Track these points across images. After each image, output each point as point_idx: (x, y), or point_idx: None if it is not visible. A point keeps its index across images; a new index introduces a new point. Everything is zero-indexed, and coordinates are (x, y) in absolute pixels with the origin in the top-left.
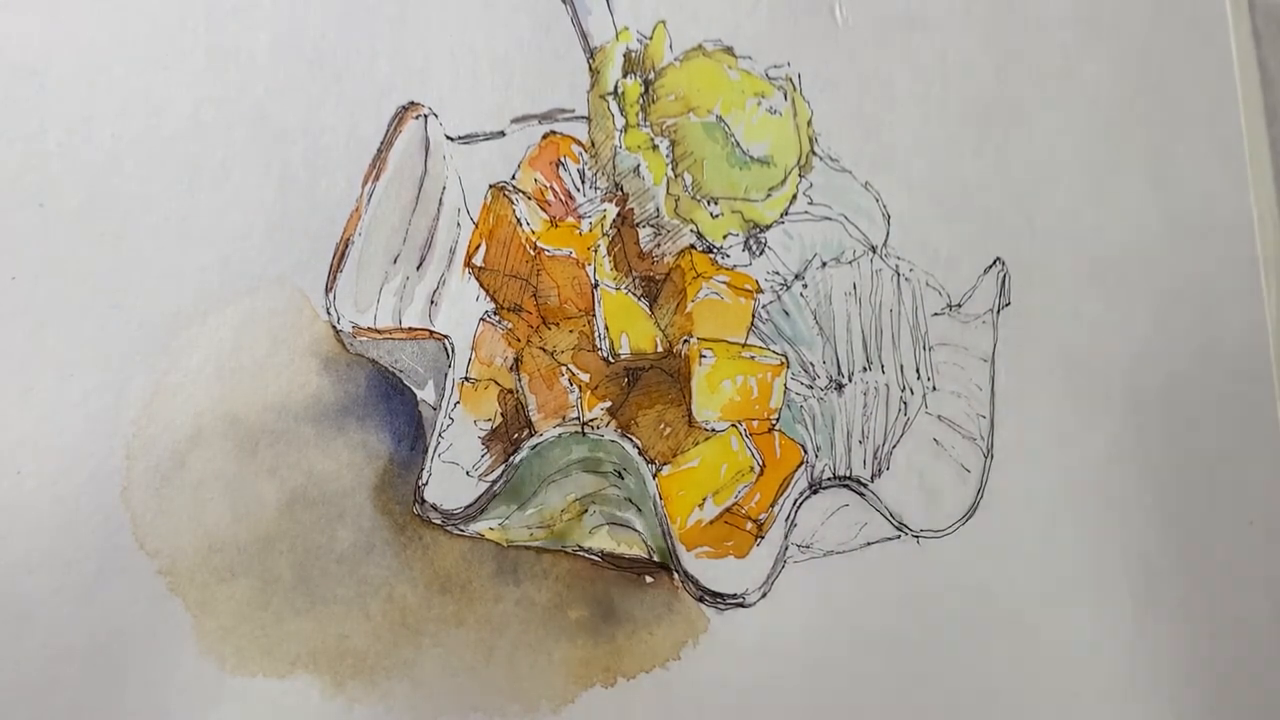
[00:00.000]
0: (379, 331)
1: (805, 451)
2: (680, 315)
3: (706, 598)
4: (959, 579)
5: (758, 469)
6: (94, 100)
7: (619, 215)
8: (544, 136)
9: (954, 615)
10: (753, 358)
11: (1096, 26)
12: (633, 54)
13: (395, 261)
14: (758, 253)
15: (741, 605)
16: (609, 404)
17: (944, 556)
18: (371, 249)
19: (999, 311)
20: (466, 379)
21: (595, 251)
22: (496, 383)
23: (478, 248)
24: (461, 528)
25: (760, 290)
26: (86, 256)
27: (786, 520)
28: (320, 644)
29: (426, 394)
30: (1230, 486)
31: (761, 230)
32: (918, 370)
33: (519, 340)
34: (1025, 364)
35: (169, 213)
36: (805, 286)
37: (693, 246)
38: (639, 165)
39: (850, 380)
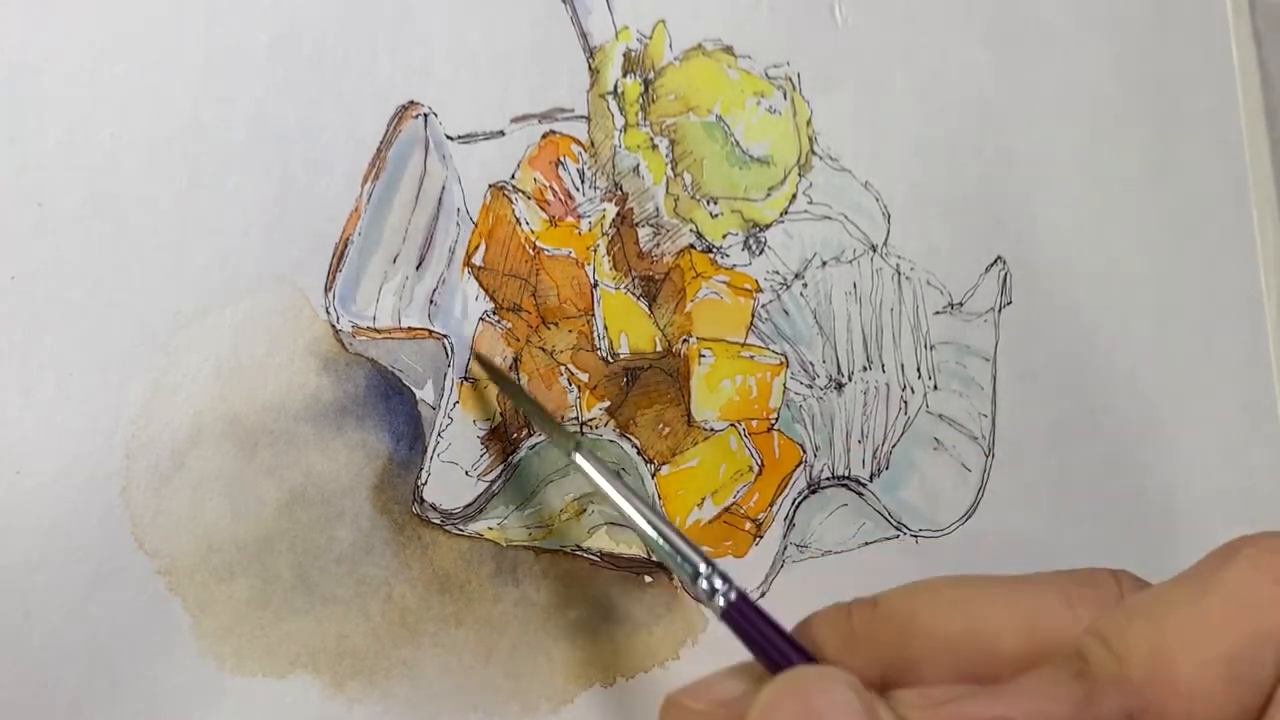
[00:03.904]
0: (378, 331)
1: (804, 451)
2: (679, 315)
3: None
4: None
5: (756, 468)
6: (94, 100)
7: (618, 215)
8: (544, 136)
9: None
10: (752, 357)
11: (1096, 26)
12: (632, 53)
13: (395, 261)
14: (757, 252)
15: None
16: (608, 404)
17: (943, 556)
18: (371, 248)
19: (1000, 310)
20: (466, 378)
21: (595, 251)
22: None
23: (477, 247)
24: (460, 527)
25: (760, 289)
26: (86, 256)
27: (785, 520)
28: (320, 644)
29: (425, 393)
30: (1230, 486)
31: (761, 229)
32: (919, 369)
33: (518, 340)
34: (1026, 363)
35: (168, 212)
36: (805, 286)
37: (692, 246)
38: (639, 165)
39: (850, 379)
